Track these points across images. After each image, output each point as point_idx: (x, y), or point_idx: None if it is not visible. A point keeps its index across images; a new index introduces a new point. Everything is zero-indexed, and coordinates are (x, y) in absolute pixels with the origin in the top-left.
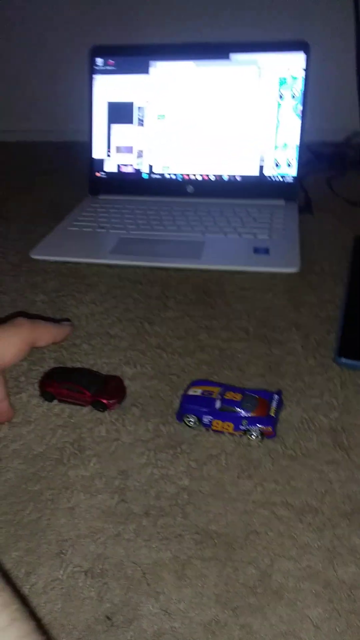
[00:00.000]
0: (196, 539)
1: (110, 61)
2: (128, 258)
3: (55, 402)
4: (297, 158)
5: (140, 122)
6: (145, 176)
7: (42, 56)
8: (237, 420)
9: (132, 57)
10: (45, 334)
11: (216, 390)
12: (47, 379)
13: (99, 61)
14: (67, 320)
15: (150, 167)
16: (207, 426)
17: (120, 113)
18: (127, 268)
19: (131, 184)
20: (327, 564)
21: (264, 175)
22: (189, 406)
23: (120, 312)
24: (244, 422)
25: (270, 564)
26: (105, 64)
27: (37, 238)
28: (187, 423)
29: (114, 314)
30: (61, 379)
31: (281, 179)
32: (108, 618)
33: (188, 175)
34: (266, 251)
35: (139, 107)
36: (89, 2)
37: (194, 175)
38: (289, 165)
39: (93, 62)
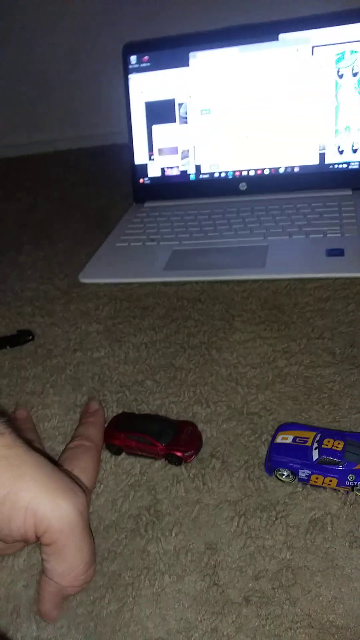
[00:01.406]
0: (311, 633)
1: (145, 57)
2: (184, 274)
3: (122, 455)
4: None
5: (183, 120)
6: (192, 178)
7: (70, 59)
8: (341, 474)
9: (169, 50)
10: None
11: (311, 436)
12: (112, 430)
13: (133, 59)
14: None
15: (198, 167)
16: (305, 481)
17: (161, 112)
18: (184, 285)
19: (178, 188)
20: None
21: (325, 163)
22: (280, 458)
23: (183, 338)
24: (351, 476)
25: None
26: (140, 61)
27: (84, 258)
28: (280, 478)
29: (176, 341)
30: (128, 429)
31: (346, 166)
32: None
33: (240, 171)
34: (340, 252)
35: (181, 104)
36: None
37: (247, 171)
38: (354, 150)
39: (126, 61)
